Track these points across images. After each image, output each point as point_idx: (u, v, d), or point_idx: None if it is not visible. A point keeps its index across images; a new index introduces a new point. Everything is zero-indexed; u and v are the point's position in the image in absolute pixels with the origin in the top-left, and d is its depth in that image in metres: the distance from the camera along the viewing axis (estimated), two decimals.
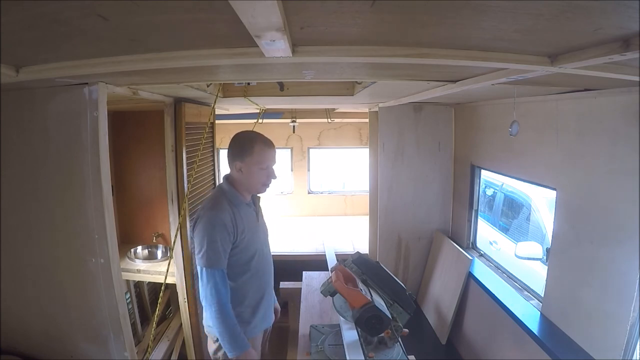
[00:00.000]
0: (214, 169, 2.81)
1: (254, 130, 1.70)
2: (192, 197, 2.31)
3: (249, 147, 1.56)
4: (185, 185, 2.20)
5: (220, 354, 1.65)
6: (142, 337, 2.80)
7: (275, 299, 1.91)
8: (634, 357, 1.34)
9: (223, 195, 1.60)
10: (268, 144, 1.60)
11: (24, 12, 0.64)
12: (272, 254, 1.83)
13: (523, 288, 2.12)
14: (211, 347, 1.70)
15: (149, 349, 1.92)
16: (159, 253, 2.91)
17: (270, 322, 1.82)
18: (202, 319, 2.41)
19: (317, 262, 3.09)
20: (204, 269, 1.51)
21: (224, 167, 4.20)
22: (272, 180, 1.62)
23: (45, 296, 1.51)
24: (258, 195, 1.74)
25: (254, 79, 1.86)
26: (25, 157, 1.43)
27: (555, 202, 1.74)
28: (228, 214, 1.53)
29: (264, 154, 1.57)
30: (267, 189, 1.65)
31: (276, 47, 0.74)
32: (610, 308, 1.40)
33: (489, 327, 2.14)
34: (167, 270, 1.87)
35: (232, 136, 1.64)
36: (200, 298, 1.57)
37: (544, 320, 1.75)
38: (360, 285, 1.61)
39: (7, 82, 1.03)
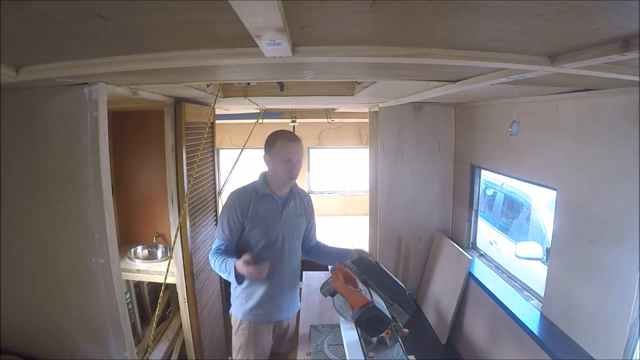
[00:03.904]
0: (214, 169, 2.81)
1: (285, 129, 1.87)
2: (192, 197, 2.31)
3: (272, 141, 1.73)
4: (185, 185, 2.20)
5: (235, 338, 1.86)
6: (142, 337, 2.80)
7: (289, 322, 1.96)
8: (634, 357, 1.34)
9: (253, 184, 1.82)
10: (290, 139, 1.74)
11: (24, 12, 0.64)
12: None
13: (523, 288, 2.12)
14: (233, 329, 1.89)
15: (149, 349, 1.91)
16: (159, 253, 2.91)
17: (274, 318, 1.85)
18: (201, 319, 2.43)
19: (317, 262, 3.09)
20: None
21: (224, 167, 4.21)
22: (295, 172, 1.74)
23: (45, 296, 1.51)
24: (304, 195, 1.92)
25: (254, 79, 1.86)
26: (25, 157, 1.43)
27: (555, 202, 1.74)
28: (244, 198, 1.74)
29: (285, 148, 1.71)
30: (292, 181, 1.78)
31: (276, 47, 0.74)
32: (610, 308, 1.40)
33: (489, 327, 2.14)
34: (167, 270, 1.87)
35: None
36: None
37: (544, 320, 1.75)
38: (360, 285, 1.61)
39: (7, 82, 1.03)
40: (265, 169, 1.81)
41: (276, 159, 1.71)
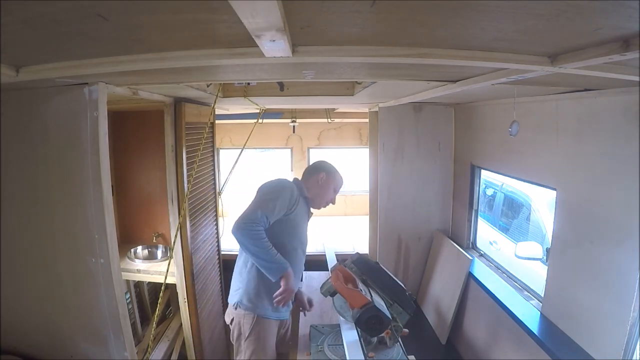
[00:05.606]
0: (214, 169, 2.81)
1: None
2: (192, 197, 2.31)
3: (335, 171, 1.99)
4: (185, 185, 2.20)
5: (235, 325, 1.84)
6: (142, 337, 2.80)
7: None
8: (634, 357, 1.34)
9: (295, 183, 1.93)
10: (342, 180, 2.03)
11: (24, 12, 0.64)
12: None
13: (523, 288, 2.12)
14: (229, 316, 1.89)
15: (149, 349, 1.91)
16: (159, 253, 2.91)
17: (281, 316, 1.89)
18: (201, 319, 2.43)
19: (317, 262, 3.09)
20: (252, 208, 1.68)
21: (224, 167, 4.21)
22: (330, 203, 1.99)
23: (45, 296, 1.51)
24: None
25: (254, 79, 1.86)
26: (25, 157, 1.43)
27: (555, 202, 1.74)
28: (295, 193, 1.83)
29: (340, 183, 2.01)
30: (322, 207, 2.00)
31: (276, 47, 0.74)
32: (610, 308, 1.40)
33: (489, 327, 2.14)
34: (167, 270, 1.87)
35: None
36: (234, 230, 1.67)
37: (544, 320, 1.75)
38: (360, 285, 1.61)
39: (7, 82, 1.03)
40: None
41: (330, 185, 1.95)
